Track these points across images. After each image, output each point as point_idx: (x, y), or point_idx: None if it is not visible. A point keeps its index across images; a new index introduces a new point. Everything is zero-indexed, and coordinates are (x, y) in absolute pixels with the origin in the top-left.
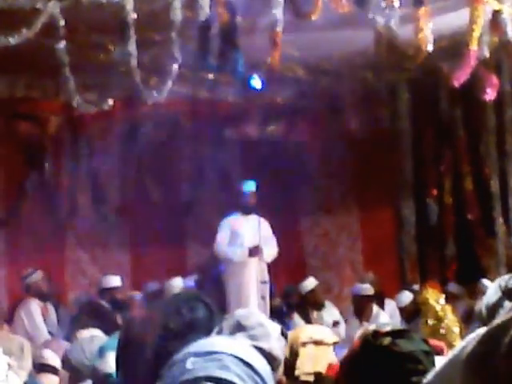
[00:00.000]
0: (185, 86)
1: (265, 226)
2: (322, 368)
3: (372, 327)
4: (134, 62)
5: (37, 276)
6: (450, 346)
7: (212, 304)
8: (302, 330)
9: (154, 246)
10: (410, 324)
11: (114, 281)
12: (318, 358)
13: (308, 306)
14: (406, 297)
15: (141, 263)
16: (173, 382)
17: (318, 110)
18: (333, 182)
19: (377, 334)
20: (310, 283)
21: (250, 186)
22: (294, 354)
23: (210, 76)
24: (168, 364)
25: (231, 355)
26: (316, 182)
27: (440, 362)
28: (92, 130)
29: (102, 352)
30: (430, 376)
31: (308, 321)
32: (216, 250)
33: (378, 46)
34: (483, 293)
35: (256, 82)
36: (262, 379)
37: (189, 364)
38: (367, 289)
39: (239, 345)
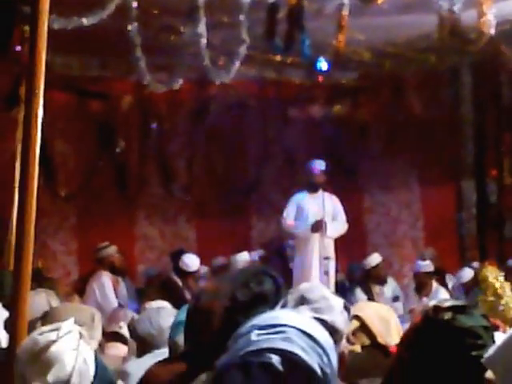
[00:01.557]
0: (252, 67)
1: (332, 203)
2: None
3: (433, 302)
4: (203, 43)
5: (110, 250)
6: (509, 322)
7: (279, 278)
8: (367, 306)
9: (220, 221)
10: (470, 300)
11: (194, 265)
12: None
13: (371, 281)
14: (467, 273)
15: (206, 238)
16: (238, 353)
17: (382, 91)
18: (395, 161)
19: (438, 309)
20: (375, 259)
21: (318, 165)
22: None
23: (277, 58)
24: (233, 336)
25: (295, 328)
26: (378, 161)
27: (499, 338)
28: (162, 109)
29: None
30: (491, 351)
31: (370, 296)
32: (282, 225)
33: (441, 30)
34: None
35: (322, 64)
36: (325, 351)
37: (254, 336)
38: (428, 265)
39: (303, 318)
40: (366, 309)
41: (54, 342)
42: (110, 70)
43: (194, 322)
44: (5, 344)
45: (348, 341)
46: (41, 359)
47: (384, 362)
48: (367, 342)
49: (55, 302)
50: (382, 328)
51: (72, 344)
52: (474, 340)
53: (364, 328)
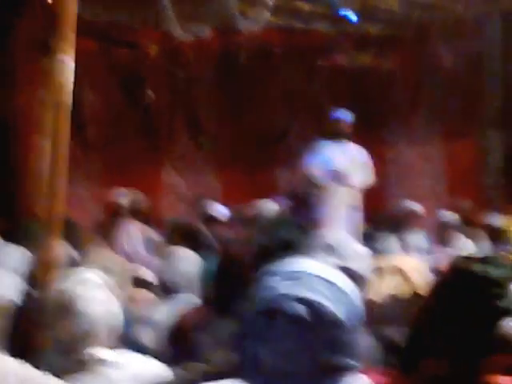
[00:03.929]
0: (279, 16)
1: (358, 154)
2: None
3: (462, 253)
4: None
5: (137, 198)
6: None
7: (305, 227)
8: (406, 258)
9: (246, 171)
10: (497, 251)
11: (220, 213)
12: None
13: (398, 230)
14: (493, 223)
15: (233, 188)
16: (259, 300)
17: (408, 41)
18: (419, 113)
19: (466, 260)
20: (402, 206)
21: (344, 115)
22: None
23: (305, 7)
24: (257, 283)
25: (317, 275)
26: (402, 112)
27: None
28: (189, 59)
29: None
30: None
31: (397, 245)
32: (307, 175)
33: None
34: None
35: (349, 13)
36: (348, 299)
37: (275, 283)
38: (452, 216)
39: (325, 265)
40: (405, 260)
41: (80, 292)
42: (137, 19)
43: (223, 268)
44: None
45: (388, 292)
46: (66, 310)
47: None
48: (408, 293)
49: (74, 253)
50: (422, 280)
51: (98, 294)
52: (500, 290)
53: (405, 280)
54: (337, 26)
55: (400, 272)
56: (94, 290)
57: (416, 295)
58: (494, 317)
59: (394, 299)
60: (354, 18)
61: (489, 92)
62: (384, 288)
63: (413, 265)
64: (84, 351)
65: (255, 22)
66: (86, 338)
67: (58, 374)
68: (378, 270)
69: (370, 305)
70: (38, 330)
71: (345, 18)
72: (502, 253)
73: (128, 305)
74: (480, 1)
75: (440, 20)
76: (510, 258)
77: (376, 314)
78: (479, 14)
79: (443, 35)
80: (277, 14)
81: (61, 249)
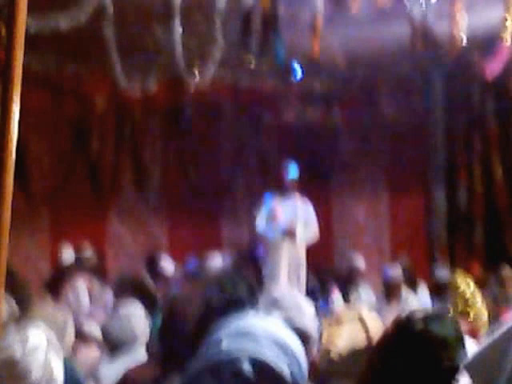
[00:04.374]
0: (227, 72)
1: (305, 208)
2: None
3: (406, 312)
4: (178, 46)
5: (86, 252)
6: (478, 330)
7: (253, 283)
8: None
9: (191, 224)
10: (442, 308)
11: (169, 269)
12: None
13: (346, 285)
14: (438, 279)
15: (178, 241)
16: (208, 361)
17: (354, 96)
18: (364, 167)
19: (410, 319)
20: (347, 261)
21: (291, 169)
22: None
23: (252, 63)
24: (204, 344)
25: (266, 336)
26: (349, 168)
27: (472, 345)
28: (136, 111)
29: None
30: (470, 359)
31: (345, 300)
32: (255, 230)
33: (414, 40)
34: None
35: (296, 69)
36: (296, 359)
37: (224, 344)
38: (397, 272)
39: (274, 325)
40: (365, 313)
41: (20, 357)
42: (85, 71)
43: (168, 326)
44: None
45: (345, 342)
46: (7, 375)
47: None
48: (364, 342)
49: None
50: (377, 331)
51: (39, 357)
52: (445, 350)
53: (366, 332)
54: (284, 80)
55: (359, 320)
56: (34, 354)
57: (368, 348)
58: (440, 377)
59: (346, 353)
60: (300, 73)
61: (434, 147)
62: (341, 338)
63: (368, 315)
64: None
65: (202, 75)
66: None
67: None
68: (335, 320)
69: (318, 360)
70: None
71: (292, 73)
72: (445, 309)
73: (73, 360)
74: (424, 58)
75: (385, 75)
76: (453, 316)
77: (325, 369)
78: (423, 71)
79: (388, 90)
80: (224, 68)
81: (3, 303)
